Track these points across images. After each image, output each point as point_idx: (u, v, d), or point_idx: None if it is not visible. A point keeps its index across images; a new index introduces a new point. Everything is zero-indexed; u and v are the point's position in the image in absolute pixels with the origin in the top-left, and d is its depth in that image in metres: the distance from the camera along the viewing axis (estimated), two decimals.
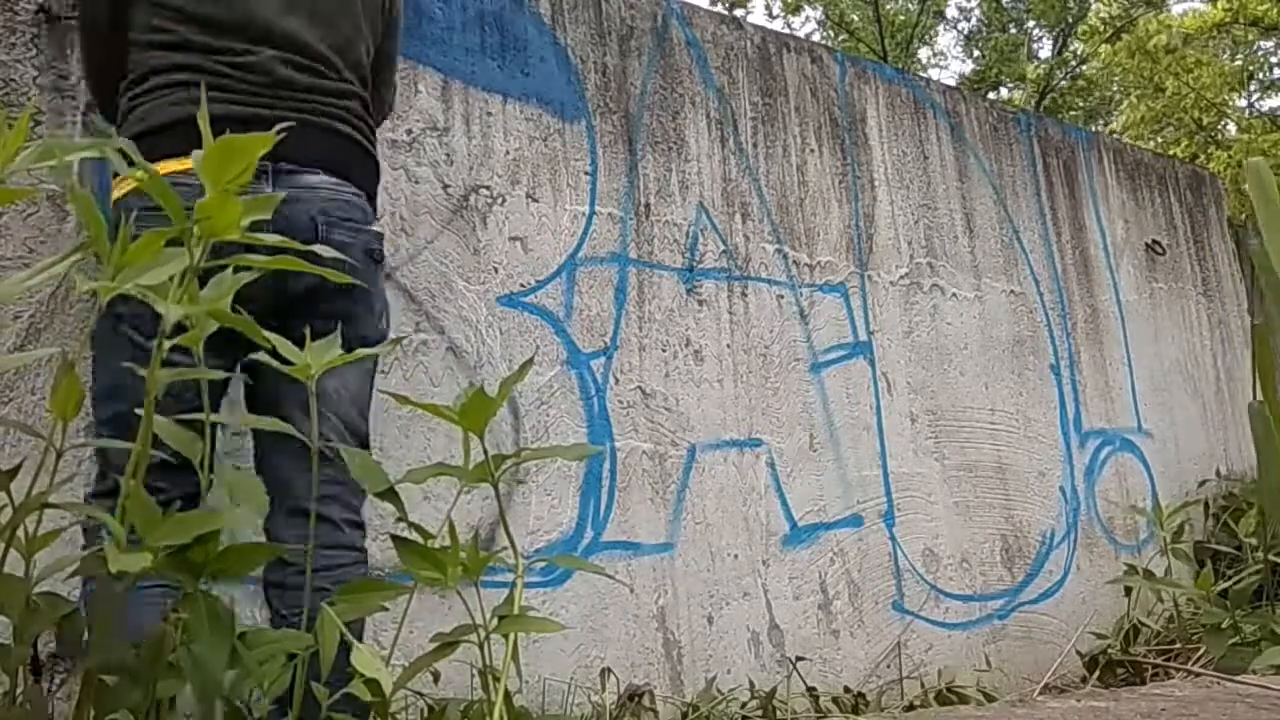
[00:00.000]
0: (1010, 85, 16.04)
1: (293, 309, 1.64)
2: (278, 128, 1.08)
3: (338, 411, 1.70)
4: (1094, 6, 14.24)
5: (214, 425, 1.38)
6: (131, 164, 0.99)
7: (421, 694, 2.08)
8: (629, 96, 2.95)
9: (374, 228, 1.79)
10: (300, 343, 1.37)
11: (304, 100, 1.71)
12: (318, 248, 1.18)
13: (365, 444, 1.76)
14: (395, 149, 2.48)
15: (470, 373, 2.49)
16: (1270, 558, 3.53)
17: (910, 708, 2.99)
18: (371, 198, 1.83)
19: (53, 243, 2.02)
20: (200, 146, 1.27)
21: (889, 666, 3.11)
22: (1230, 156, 11.14)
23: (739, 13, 14.20)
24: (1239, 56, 13.17)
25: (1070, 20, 14.88)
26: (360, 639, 1.58)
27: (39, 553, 1.12)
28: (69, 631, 1.09)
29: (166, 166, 1.45)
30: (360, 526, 1.76)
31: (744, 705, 2.68)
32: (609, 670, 2.51)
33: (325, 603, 1.33)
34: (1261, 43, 13.20)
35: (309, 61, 1.74)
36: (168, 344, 1.01)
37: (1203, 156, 11.86)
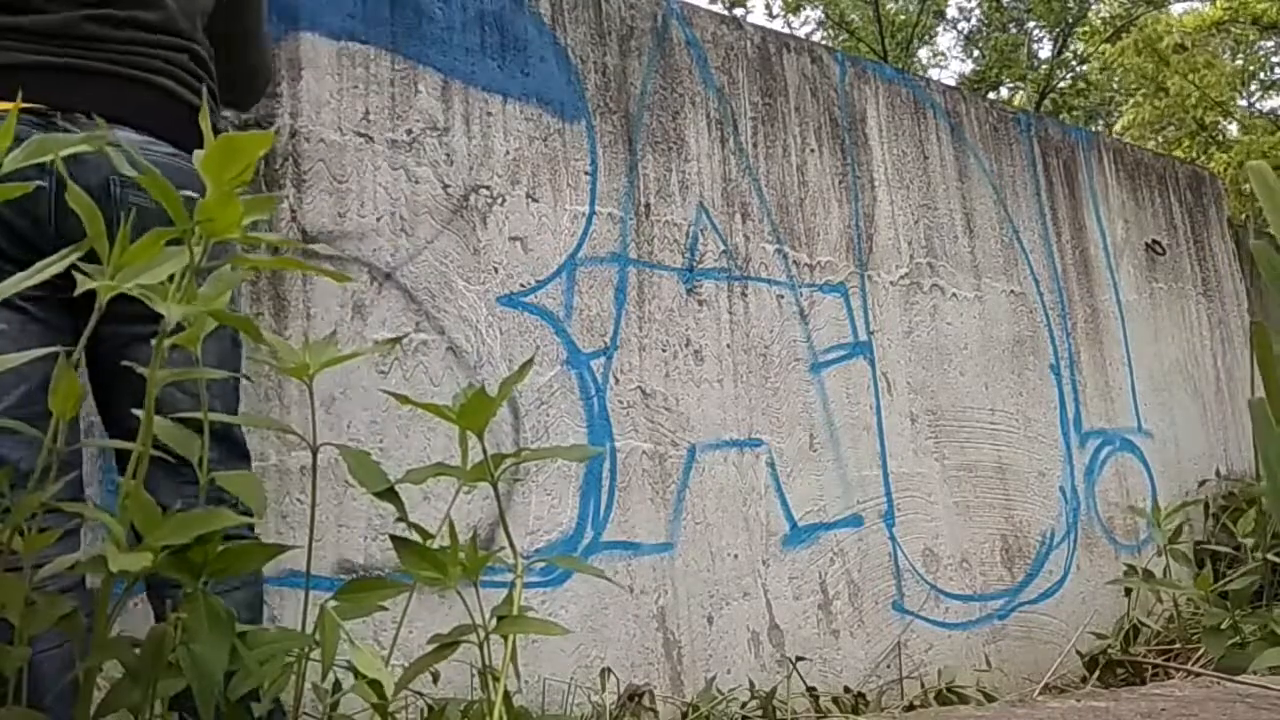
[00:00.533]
0: (1010, 85, 16.04)
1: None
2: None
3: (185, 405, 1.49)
4: (1094, 6, 14.23)
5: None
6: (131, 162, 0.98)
7: (421, 694, 2.08)
8: (629, 96, 2.95)
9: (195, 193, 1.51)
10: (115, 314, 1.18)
11: (114, 50, 1.55)
12: (320, 246, 1.18)
13: (231, 436, 1.61)
14: (395, 149, 2.48)
15: (470, 373, 2.49)
16: (1269, 557, 3.53)
17: (910, 708, 2.99)
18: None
19: None
20: None
21: (889, 666, 3.11)
22: (1231, 158, 11.14)
23: (739, 12, 14.20)
24: (1239, 56, 13.17)
25: (1070, 20, 14.88)
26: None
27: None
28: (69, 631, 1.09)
29: None
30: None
31: (744, 705, 2.68)
32: (609, 670, 2.51)
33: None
34: (1261, 42, 13.20)
35: (127, 12, 1.57)
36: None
37: (1203, 157, 11.86)
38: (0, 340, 1.36)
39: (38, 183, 1.27)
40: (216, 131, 1.49)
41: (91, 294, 1.10)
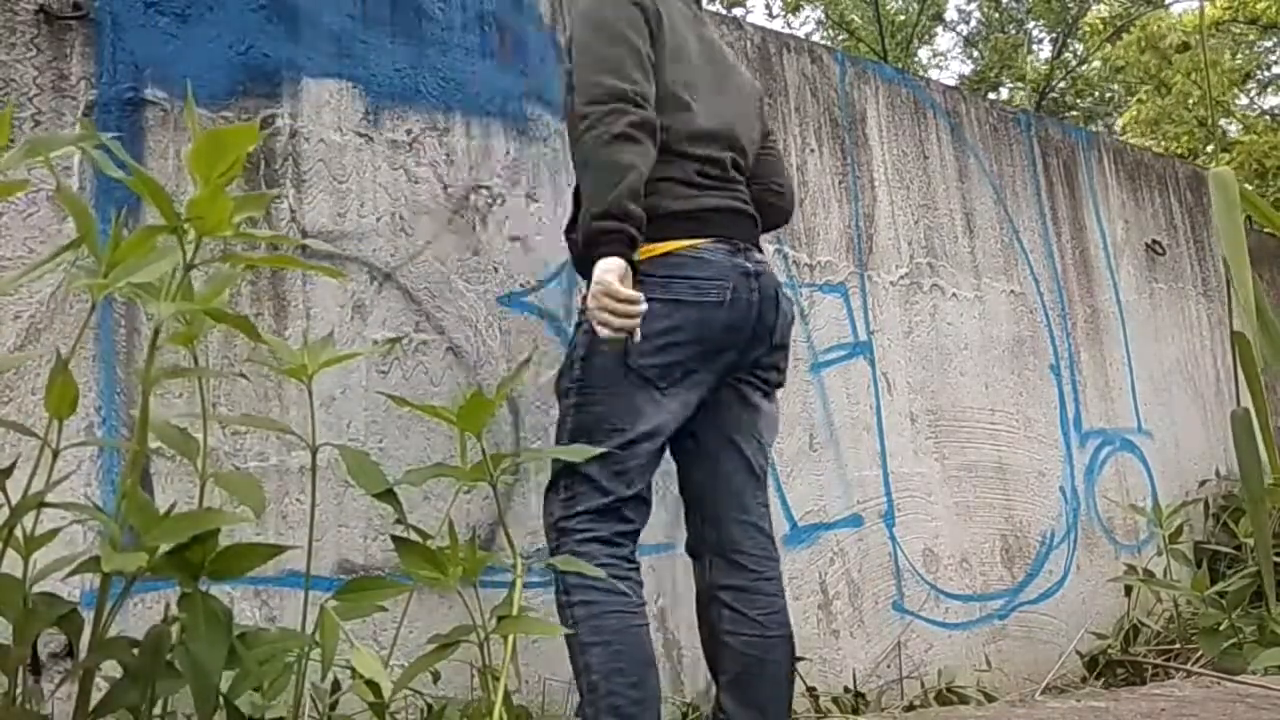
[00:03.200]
0: (1010, 85, 16.03)
1: (761, 353, 2.03)
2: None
3: (766, 438, 2.10)
4: (1094, 7, 14.23)
5: None
6: (121, 164, 0.98)
7: (421, 693, 2.08)
8: None
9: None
10: (762, 379, 2.06)
11: (743, 190, 2.10)
12: (314, 241, 1.18)
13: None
14: (395, 149, 2.48)
15: (470, 373, 2.48)
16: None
17: (910, 708, 2.99)
18: None
19: (53, 243, 2.02)
20: (699, 233, 1.95)
21: (889, 666, 3.11)
22: (1234, 158, 11.13)
23: (739, 12, 14.19)
24: (1239, 55, 13.17)
25: (1070, 20, 14.86)
26: None
27: (37, 552, 1.12)
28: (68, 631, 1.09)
29: (675, 245, 1.93)
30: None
31: None
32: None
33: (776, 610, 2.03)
34: (1261, 42, 13.20)
35: (742, 159, 2.11)
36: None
37: (1203, 156, 11.87)
38: (663, 440, 1.94)
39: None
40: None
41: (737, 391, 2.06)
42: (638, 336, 1.83)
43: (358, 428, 2.30)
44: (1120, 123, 13.30)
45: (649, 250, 1.90)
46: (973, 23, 16.69)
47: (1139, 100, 12.74)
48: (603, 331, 1.82)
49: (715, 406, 2.04)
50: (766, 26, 3.63)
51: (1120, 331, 4.23)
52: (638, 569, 1.92)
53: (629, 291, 1.80)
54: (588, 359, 1.90)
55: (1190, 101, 11.67)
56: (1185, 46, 11.31)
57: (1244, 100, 13.65)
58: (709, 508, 2.06)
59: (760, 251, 2.09)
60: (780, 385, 2.15)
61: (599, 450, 1.81)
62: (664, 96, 1.98)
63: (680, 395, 1.93)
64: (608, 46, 1.92)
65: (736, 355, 1.99)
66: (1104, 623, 3.69)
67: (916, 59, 16.20)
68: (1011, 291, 3.84)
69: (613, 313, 1.79)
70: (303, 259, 2.27)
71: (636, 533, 1.95)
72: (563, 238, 2.18)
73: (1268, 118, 13.18)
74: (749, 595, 2.00)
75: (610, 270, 1.81)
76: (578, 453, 1.65)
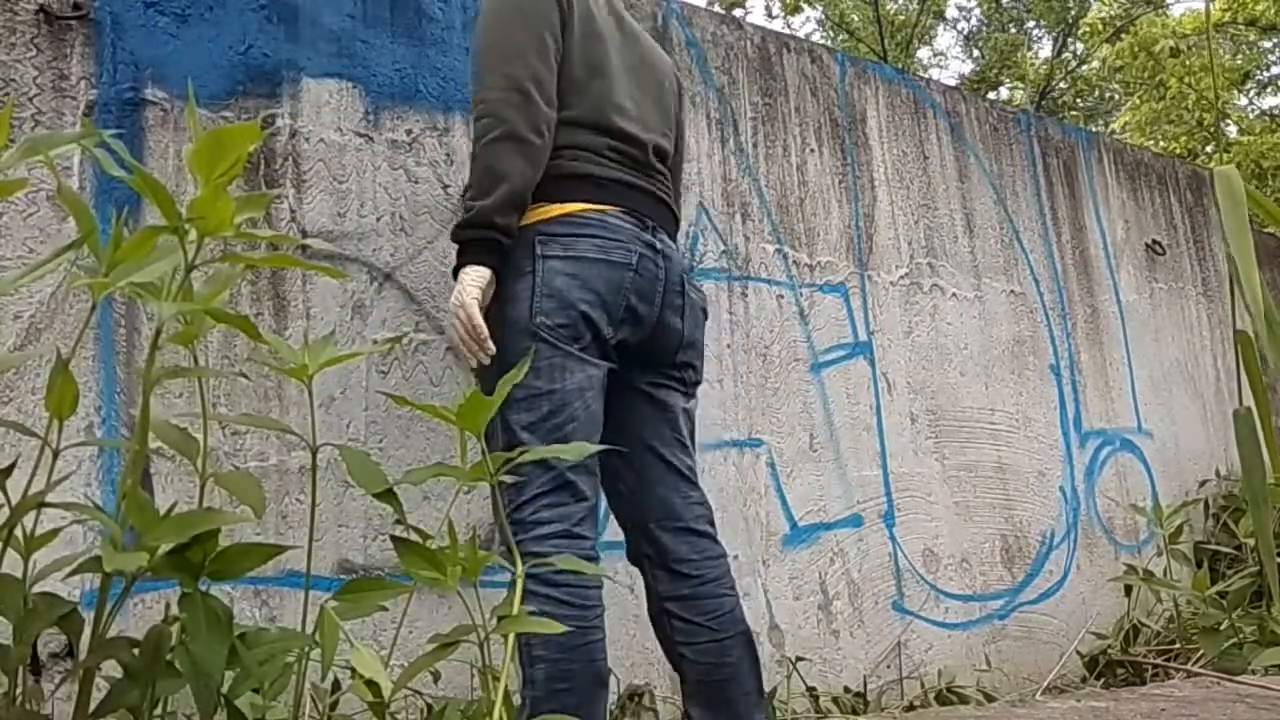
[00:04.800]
0: (1010, 85, 16.04)
1: (673, 347, 1.98)
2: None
3: (688, 438, 2.03)
4: (1094, 7, 14.24)
5: None
6: (122, 164, 0.98)
7: (421, 693, 2.08)
8: None
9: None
10: (677, 378, 2.00)
11: (661, 180, 2.04)
12: (315, 241, 1.18)
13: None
14: (395, 149, 2.48)
15: (470, 373, 2.48)
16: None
17: (910, 708, 2.99)
18: None
19: (53, 243, 2.02)
20: (605, 200, 1.90)
21: (889, 666, 3.11)
22: (1231, 158, 11.14)
23: (738, 13, 14.19)
24: (1238, 56, 13.18)
25: (1070, 20, 14.87)
26: None
27: (37, 552, 1.12)
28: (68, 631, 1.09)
29: (579, 207, 1.87)
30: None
31: None
32: (609, 670, 2.50)
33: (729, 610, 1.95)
34: (1260, 42, 13.21)
35: (665, 146, 2.07)
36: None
37: (1202, 156, 11.88)
38: (593, 396, 1.83)
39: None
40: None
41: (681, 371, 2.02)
42: (485, 360, 1.82)
43: (358, 428, 2.30)
44: (1116, 125, 13.32)
45: (550, 210, 1.85)
46: (973, 20, 16.70)
47: (1132, 107, 12.77)
48: (452, 340, 1.84)
49: (626, 415, 1.97)
50: (766, 27, 3.63)
51: (1120, 331, 4.23)
52: (597, 560, 1.83)
53: (483, 329, 1.79)
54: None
55: (1188, 103, 11.69)
56: (1176, 51, 11.32)
57: (1243, 101, 13.67)
58: (639, 520, 2.00)
59: (674, 240, 2.03)
60: (698, 384, 2.08)
61: (598, 449, 1.75)
62: (577, 75, 1.93)
63: (595, 357, 1.85)
64: (513, 32, 1.86)
65: (646, 335, 1.92)
66: (1104, 623, 3.69)
67: (916, 59, 16.21)
68: (1011, 291, 3.84)
69: (465, 337, 1.79)
70: (303, 259, 2.27)
71: (593, 513, 1.85)
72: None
73: (1266, 118, 13.19)
74: (696, 602, 1.95)
75: (475, 283, 1.79)
76: (577, 450, 1.65)
